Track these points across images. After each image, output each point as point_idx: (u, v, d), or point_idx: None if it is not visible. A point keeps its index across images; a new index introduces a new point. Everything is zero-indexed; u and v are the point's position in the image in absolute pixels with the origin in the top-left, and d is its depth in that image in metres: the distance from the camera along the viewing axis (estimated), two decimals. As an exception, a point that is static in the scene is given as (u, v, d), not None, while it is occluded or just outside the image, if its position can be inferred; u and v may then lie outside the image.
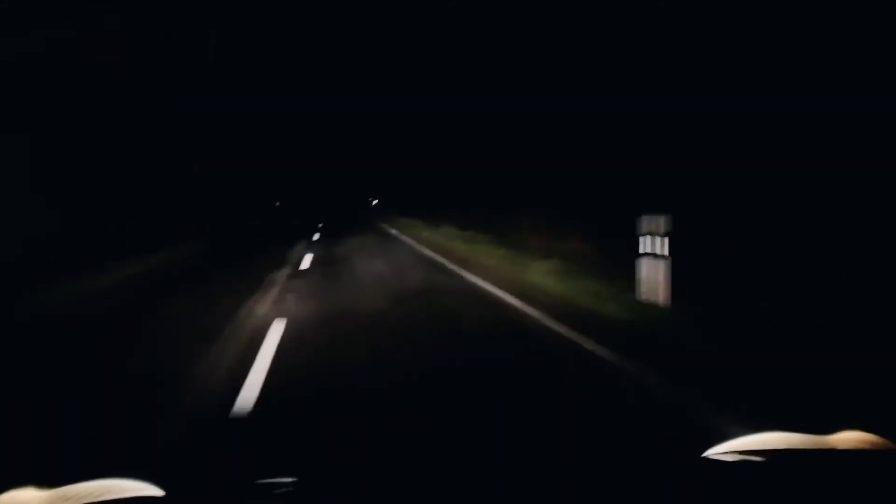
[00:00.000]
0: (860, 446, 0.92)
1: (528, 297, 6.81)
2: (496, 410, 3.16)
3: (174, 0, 16.66)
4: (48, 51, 11.37)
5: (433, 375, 3.89)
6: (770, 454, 0.92)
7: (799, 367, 3.49)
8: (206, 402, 3.64)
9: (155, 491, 0.89)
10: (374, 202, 47.65)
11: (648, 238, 6.40)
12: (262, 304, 6.99)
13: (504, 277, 8.50)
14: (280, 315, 6.20)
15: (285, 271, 10.35)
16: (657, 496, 0.86)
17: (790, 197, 6.49)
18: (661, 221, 6.29)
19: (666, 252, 6.14)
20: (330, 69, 37.64)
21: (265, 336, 5.25)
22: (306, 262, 11.77)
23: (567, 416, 3.01)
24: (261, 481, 0.95)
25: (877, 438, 0.94)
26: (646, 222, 6.46)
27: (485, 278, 8.53)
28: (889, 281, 4.64)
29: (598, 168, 10.78)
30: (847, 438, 0.94)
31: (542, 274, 8.32)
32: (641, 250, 6.46)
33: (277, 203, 49.07)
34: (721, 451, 0.98)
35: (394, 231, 20.84)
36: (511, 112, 15.17)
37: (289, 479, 0.94)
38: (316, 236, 19.63)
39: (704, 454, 0.97)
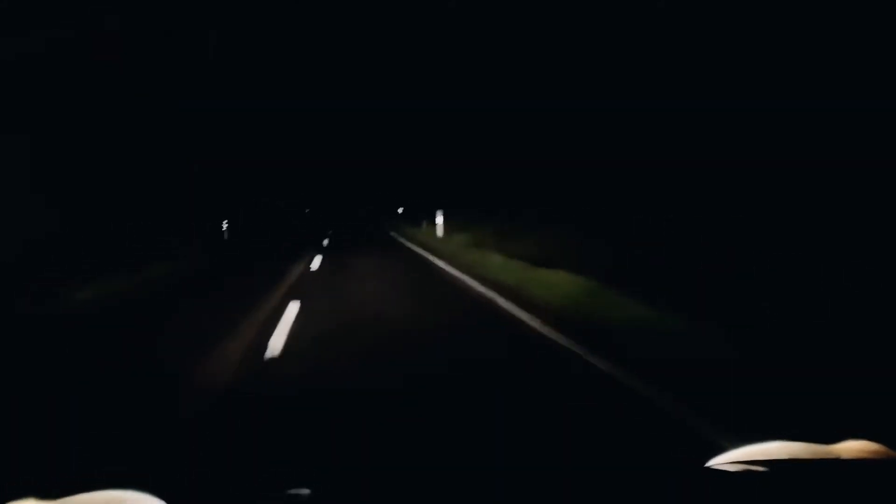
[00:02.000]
0: (865, 456, 0.92)
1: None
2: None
3: (174, 0, 16.66)
4: (48, 51, 11.36)
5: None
6: (774, 464, 0.91)
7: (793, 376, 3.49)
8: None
9: (157, 503, 0.88)
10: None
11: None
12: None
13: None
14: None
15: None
16: None
17: (792, 197, 6.48)
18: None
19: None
20: (327, 69, 37.44)
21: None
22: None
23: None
24: (264, 492, 0.95)
25: (881, 448, 0.93)
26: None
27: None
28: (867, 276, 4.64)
29: (598, 167, 10.78)
30: (851, 448, 0.94)
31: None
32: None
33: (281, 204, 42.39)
34: (724, 460, 0.98)
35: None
36: (513, 112, 15.16)
37: (293, 491, 0.93)
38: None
39: (707, 464, 0.97)
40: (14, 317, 7.42)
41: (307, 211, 51.89)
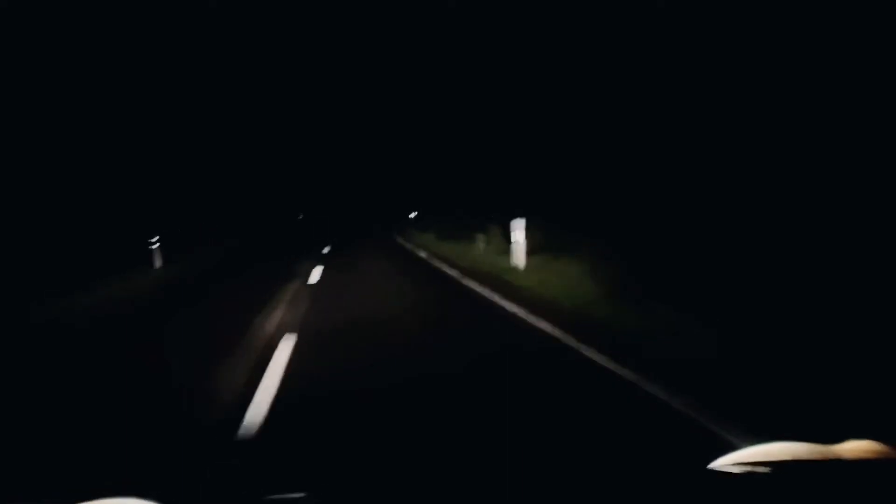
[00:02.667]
0: (868, 456, 0.92)
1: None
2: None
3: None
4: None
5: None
6: (777, 465, 0.91)
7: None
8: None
9: None
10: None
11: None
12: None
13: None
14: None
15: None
16: None
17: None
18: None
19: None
20: (324, 67, 37.13)
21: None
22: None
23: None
24: (268, 497, 0.95)
25: (884, 447, 0.93)
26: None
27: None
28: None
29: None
30: (854, 448, 0.94)
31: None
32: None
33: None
34: (727, 462, 0.98)
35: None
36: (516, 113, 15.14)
37: (296, 496, 0.93)
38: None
39: (710, 465, 0.97)
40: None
41: (300, 217, 45.81)
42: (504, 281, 8.59)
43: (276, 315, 6.85)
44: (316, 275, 10.84)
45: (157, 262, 13.13)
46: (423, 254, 14.51)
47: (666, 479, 0.95)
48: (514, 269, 9.51)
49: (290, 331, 5.84)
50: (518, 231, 9.72)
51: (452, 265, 11.24)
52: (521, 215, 9.74)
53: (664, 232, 7.56)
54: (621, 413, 3.40)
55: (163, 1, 16.75)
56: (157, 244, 13.18)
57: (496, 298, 7.29)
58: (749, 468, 0.93)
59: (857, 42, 6.18)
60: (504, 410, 3.37)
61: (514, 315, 6.29)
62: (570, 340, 5.00)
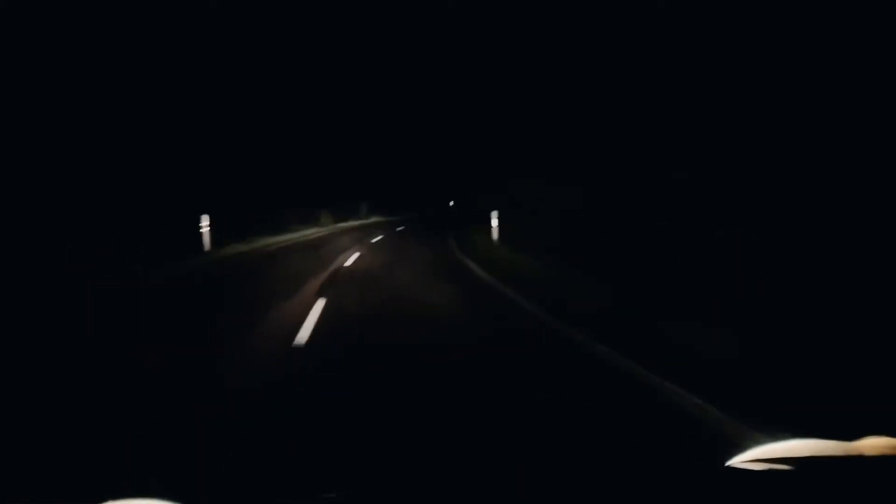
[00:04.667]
0: (888, 452, 0.91)
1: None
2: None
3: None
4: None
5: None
6: (796, 462, 0.91)
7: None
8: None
9: None
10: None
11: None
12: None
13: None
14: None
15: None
16: None
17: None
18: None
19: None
20: (319, 67, 36.88)
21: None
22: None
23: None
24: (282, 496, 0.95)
25: None
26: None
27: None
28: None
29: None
30: (874, 444, 0.93)
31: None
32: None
33: None
34: (746, 459, 0.97)
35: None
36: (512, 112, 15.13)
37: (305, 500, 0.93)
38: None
39: (729, 463, 0.96)
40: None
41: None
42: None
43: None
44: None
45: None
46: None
47: (685, 476, 0.94)
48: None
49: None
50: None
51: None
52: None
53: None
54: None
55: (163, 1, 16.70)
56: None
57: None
58: (769, 465, 0.93)
59: (857, 40, 6.17)
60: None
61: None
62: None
